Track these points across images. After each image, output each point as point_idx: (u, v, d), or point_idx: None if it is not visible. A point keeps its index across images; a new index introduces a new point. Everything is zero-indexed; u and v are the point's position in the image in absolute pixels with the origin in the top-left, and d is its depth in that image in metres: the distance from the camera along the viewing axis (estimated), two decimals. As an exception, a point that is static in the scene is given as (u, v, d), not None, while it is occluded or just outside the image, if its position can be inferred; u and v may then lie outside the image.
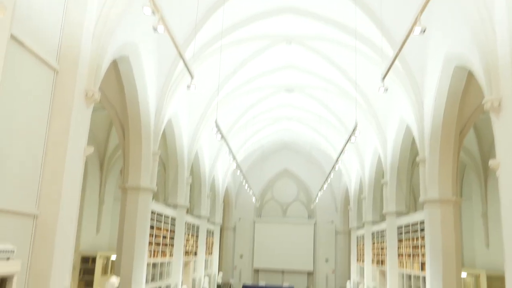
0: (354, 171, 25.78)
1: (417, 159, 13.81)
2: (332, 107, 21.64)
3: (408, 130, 15.86)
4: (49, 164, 7.82)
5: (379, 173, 20.70)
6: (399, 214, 17.56)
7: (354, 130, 13.59)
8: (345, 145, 15.52)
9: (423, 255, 14.23)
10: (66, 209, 7.99)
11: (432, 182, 13.04)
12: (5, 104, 6.64)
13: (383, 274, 20.35)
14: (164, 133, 16.79)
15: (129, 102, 13.11)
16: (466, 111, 12.60)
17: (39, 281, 7.45)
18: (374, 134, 18.52)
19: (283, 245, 33.51)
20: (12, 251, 5.53)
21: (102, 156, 19.69)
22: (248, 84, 19.45)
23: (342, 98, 19.71)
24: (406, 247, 16.26)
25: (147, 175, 13.83)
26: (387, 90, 10.51)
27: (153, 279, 15.61)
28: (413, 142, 15.97)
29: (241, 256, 34.27)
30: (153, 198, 14.64)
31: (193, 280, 22.09)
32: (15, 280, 5.59)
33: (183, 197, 18.30)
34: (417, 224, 15.11)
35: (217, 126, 13.35)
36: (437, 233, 12.80)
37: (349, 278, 29.04)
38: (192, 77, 10.57)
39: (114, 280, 9.15)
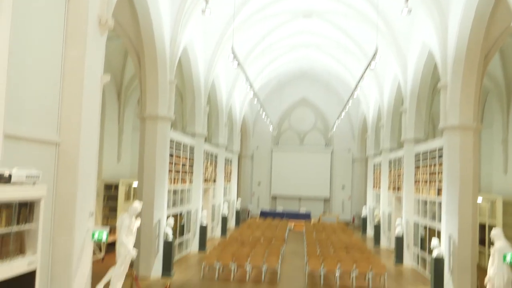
0: (373, 99, 25.47)
1: (439, 85, 13.50)
2: (351, 33, 20.95)
3: (430, 56, 15.38)
4: (67, 92, 7.85)
5: (398, 100, 20.42)
6: (417, 141, 17.50)
7: (374, 55, 13.22)
8: (365, 71, 15.18)
9: (440, 181, 14.32)
10: (87, 137, 8.11)
11: (453, 108, 12.83)
12: (19, 33, 6.55)
13: (399, 200, 20.69)
14: (180, 62, 16.60)
15: (143, 29, 12.87)
16: (492, 34, 12.09)
17: (66, 206, 7.75)
18: (395, 60, 18.02)
19: (300, 173, 34.10)
20: (38, 176, 5.70)
21: (119, 86, 19.72)
22: (265, 10, 18.78)
23: (362, 23, 18.97)
24: (423, 173, 16.35)
25: (164, 104, 13.88)
26: (410, 11, 10.06)
27: (174, 205, 16.16)
28: (435, 68, 15.54)
29: (259, 184, 35.09)
30: (171, 127, 14.79)
31: (213, 206, 22.83)
32: (42, 204, 5.81)
33: (200, 126, 18.45)
34: (435, 151, 15.08)
35: (233, 53, 13.10)
36: (455, 159, 12.79)
37: (365, 204, 29.68)
38: (206, 1, 10.21)
39: (137, 204, 9.47)
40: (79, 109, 7.90)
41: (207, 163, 21.25)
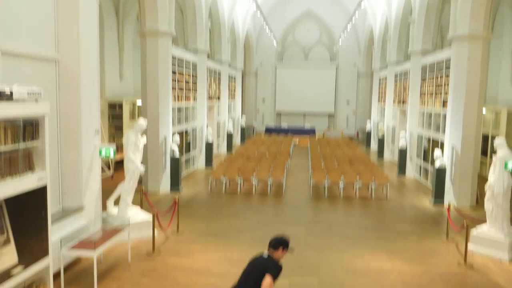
0: (380, 10, 24.56)
1: (449, -8, 12.90)
2: None
3: (441, -40, 14.55)
4: (62, 6, 7.57)
5: (407, 10, 19.67)
6: (424, 52, 17.10)
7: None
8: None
9: (445, 93, 14.20)
10: (87, 53, 7.96)
11: (463, 17, 12.36)
12: None
13: (403, 113, 20.70)
14: (178, -26, 15.85)
15: None
16: None
17: (70, 123, 7.80)
18: (404, -33, 17.11)
19: (305, 89, 33.88)
20: (39, 93, 5.64)
21: (116, 1, 19.01)
22: None
23: None
24: (429, 86, 16.18)
25: (164, 19, 13.44)
26: None
27: (179, 122, 16.25)
28: (446, -27, 14.77)
29: (263, 100, 35.03)
30: (172, 43, 14.45)
31: (218, 123, 22.97)
32: (46, 121, 5.81)
33: (203, 42, 18.01)
34: (442, 62, 14.78)
35: (233, -38, 12.41)
36: (463, 70, 12.56)
37: (369, 118, 29.76)
38: None
39: (142, 121, 9.49)
40: (76, 24, 7.68)
41: (211, 80, 21.04)
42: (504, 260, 8.52)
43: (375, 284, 7.34)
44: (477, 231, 9.05)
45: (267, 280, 4.44)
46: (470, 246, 8.90)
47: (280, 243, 4.72)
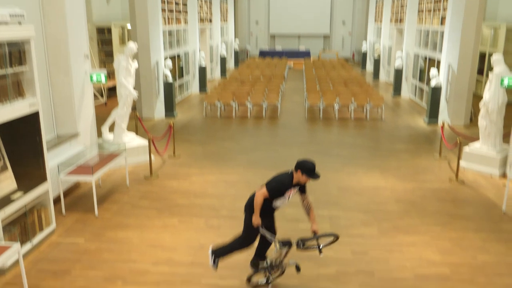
0: None
1: None
2: None
3: None
4: None
5: None
6: (424, -34, 16.39)
7: None
8: None
9: (444, 9, 13.79)
10: (68, -28, 7.54)
11: None
12: None
13: (400, 32, 20.23)
14: None
15: None
16: None
17: (58, 48, 7.55)
18: None
19: (299, 9, 32.81)
20: (22, 15, 5.39)
21: None
22: None
23: None
24: (428, 2, 15.66)
25: None
26: None
27: (171, 47, 15.84)
28: None
29: (256, 23, 34.05)
30: (159, -39, 13.71)
31: (210, 47, 22.44)
32: (32, 44, 5.61)
33: (191, -40, 17.13)
34: (442, -24, 14.21)
35: None
36: (463, -17, 12.09)
37: (365, 39, 29.15)
38: None
39: (132, 45, 9.21)
40: None
41: (201, 1, 20.25)
42: (495, 176, 8.72)
43: (368, 201, 7.55)
44: (469, 148, 9.17)
45: (260, 190, 4.50)
46: (462, 162, 9.07)
47: (298, 166, 4.53)
